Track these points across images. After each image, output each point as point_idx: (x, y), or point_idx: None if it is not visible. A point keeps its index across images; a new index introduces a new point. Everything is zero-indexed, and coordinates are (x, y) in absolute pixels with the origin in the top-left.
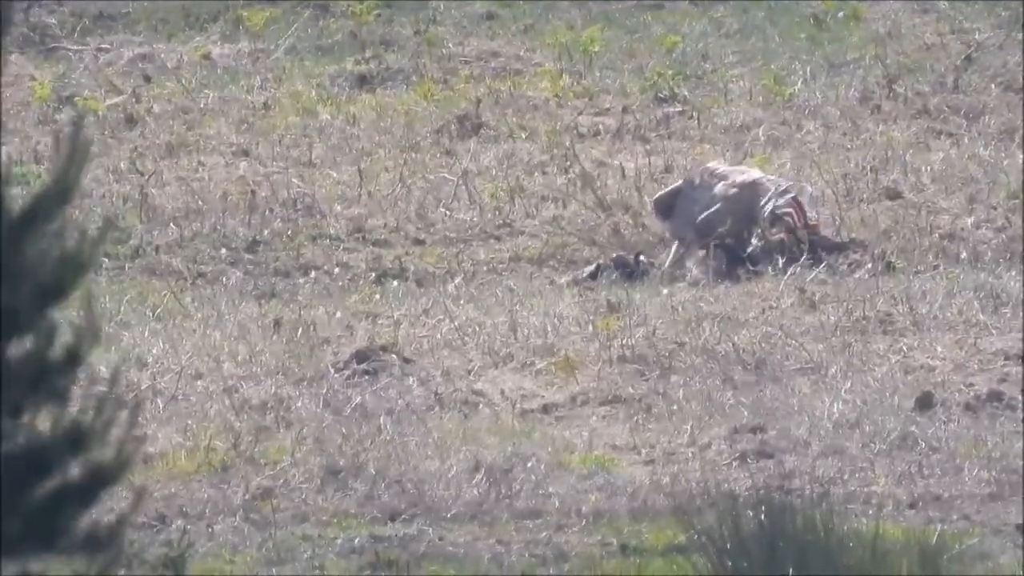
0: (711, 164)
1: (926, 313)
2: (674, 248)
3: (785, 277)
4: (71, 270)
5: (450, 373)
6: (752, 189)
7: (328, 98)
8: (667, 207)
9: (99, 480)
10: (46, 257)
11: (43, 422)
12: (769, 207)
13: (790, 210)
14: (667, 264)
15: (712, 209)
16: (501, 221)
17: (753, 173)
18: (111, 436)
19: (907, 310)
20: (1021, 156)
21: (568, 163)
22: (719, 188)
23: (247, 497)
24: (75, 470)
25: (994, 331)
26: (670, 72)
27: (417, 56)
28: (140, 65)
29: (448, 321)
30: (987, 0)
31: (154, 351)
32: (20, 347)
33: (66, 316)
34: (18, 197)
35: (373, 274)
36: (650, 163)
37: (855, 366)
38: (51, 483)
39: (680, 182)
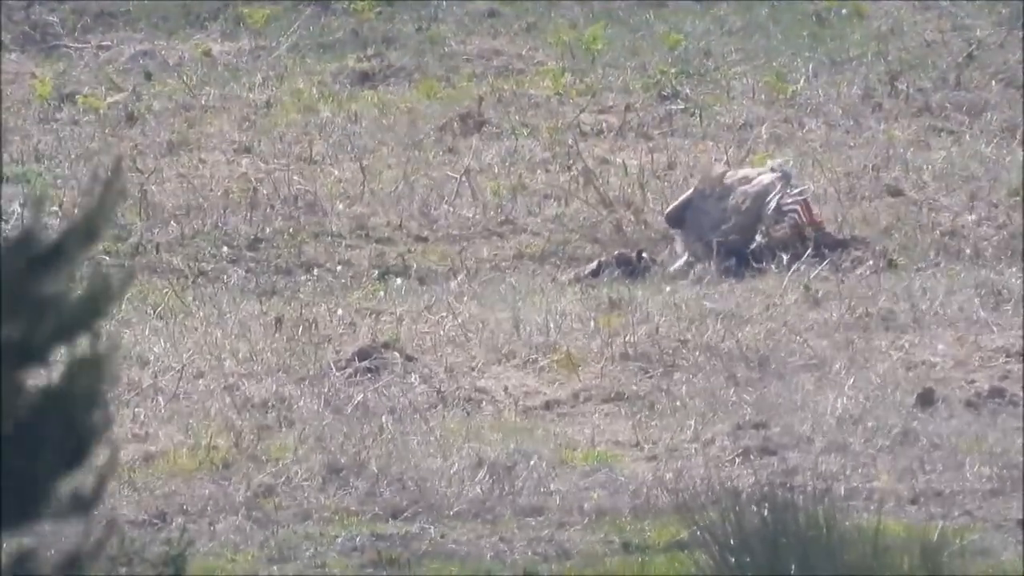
0: (720, 170)
1: (927, 310)
2: (683, 260)
3: (788, 274)
4: (89, 311)
5: (452, 370)
6: (762, 197)
7: (330, 95)
8: (678, 220)
9: (80, 444)
10: (65, 295)
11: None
12: (774, 203)
13: (796, 207)
14: (673, 268)
15: (724, 227)
16: (503, 218)
17: (764, 179)
18: (94, 400)
19: (909, 307)
20: (1022, 153)
21: (570, 161)
22: (731, 203)
23: (249, 495)
24: (56, 434)
25: (995, 328)
26: (673, 70)
27: (419, 54)
28: (141, 63)
29: (451, 318)
30: None
31: (155, 349)
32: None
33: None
34: (17, 196)
35: (375, 272)
36: (653, 160)
37: (857, 363)
38: (35, 449)
39: (691, 191)
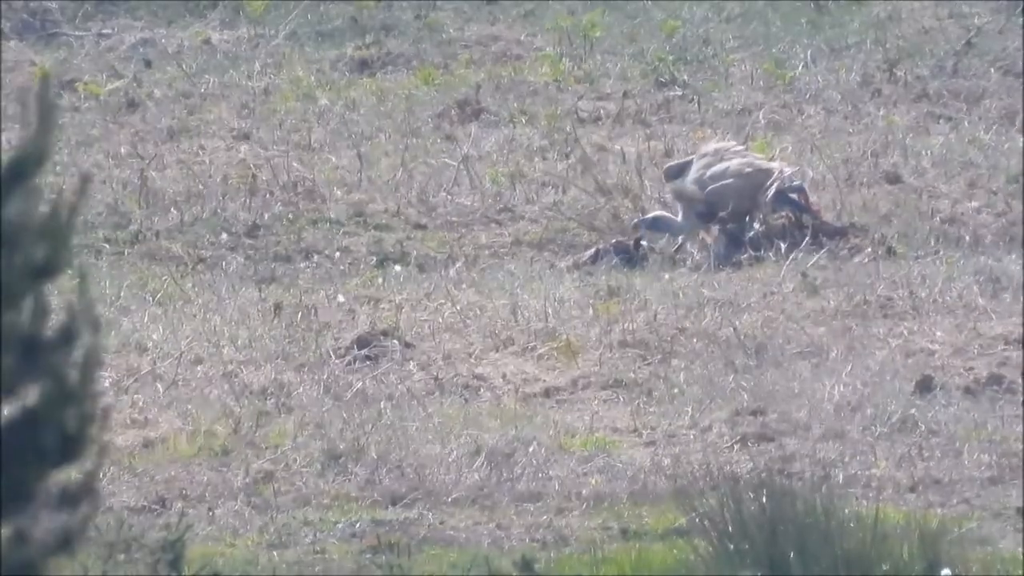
0: (726, 143)
1: (926, 297)
2: (680, 214)
3: (786, 262)
4: (54, 233)
5: (451, 357)
6: (764, 175)
7: (328, 83)
8: (676, 175)
9: (72, 440)
10: (28, 220)
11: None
12: (773, 190)
13: (794, 196)
14: (673, 231)
15: (724, 182)
16: (502, 206)
17: (768, 163)
18: (87, 395)
19: (907, 294)
20: (1021, 140)
21: (568, 148)
22: (735, 163)
23: (248, 481)
24: (49, 429)
25: (994, 315)
26: (671, 57)
27: (417, 41)
28: (141, 50)
29: (449, 305)
30: None
31: (154, 336)
32: (12, 322)
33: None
34: None
35: (374, 259)
36: (651, 147)
37: (855, 350)
38: (29, 443)
39: (692, 156)
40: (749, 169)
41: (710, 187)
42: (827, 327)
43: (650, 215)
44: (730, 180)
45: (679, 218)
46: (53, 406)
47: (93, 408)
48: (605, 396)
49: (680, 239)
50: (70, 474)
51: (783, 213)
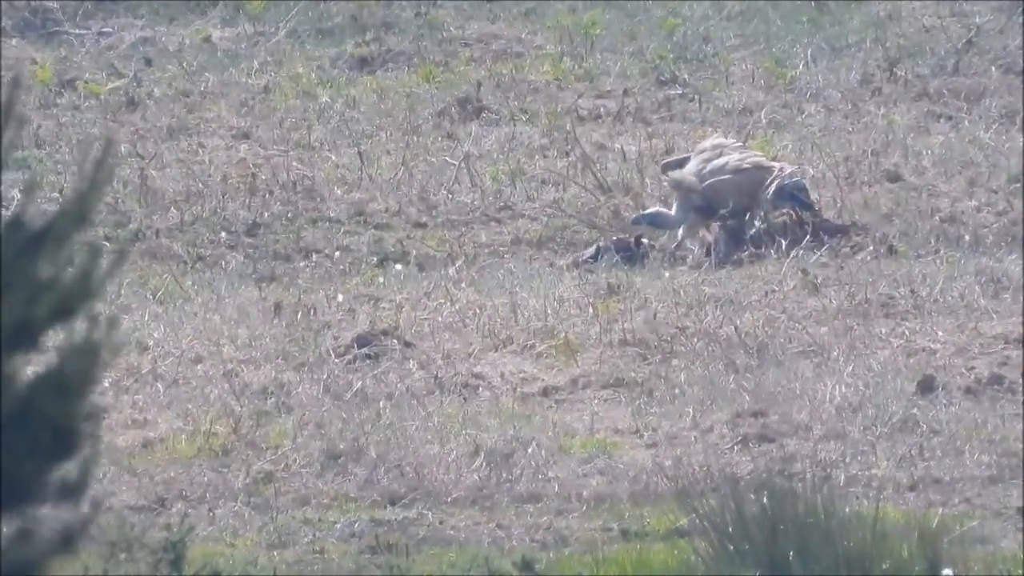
0: (724, 140)
1: (927, 296)
2: (676, 206)
3: (787, 260)
4: (80, 294)
5: (450, 356)
6: (762, 171)
7: (328, 81)
8: (674, 168)
9: (70, 435)
10: (58, 278)
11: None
12: (774, 187)
13: (798, 193)
14: (672, 233)
15: (722, 177)
16: (502, 204)
17: (767, 160)
18: (85, 392)
19: (908, 293)
20: (1021, 139)
21: (569, 146)
22: (733, 158)
23: (248, 481)
24: (48, 426)
25: (995, 315)
26: (671, 55)
27: (418, 39)
28: (141, 48)
29: (449, 304)
30: None
31: (155, 335)
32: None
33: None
34: (18, 182)
35: (374, 258)
36: (651, 146)
37: (857, 349)
38: (28, 438)
39: (690, 153)
40: (747, 165)
41: (708, 180)
42: (828, 326)
43: (648, 211)
44: (728, 176)
45: (674, 211)
46: (52, 403)
47: (89, 405)
48: (605, 396)
49: (680, 235)
50: (67, 470)
51: (784, 210)
